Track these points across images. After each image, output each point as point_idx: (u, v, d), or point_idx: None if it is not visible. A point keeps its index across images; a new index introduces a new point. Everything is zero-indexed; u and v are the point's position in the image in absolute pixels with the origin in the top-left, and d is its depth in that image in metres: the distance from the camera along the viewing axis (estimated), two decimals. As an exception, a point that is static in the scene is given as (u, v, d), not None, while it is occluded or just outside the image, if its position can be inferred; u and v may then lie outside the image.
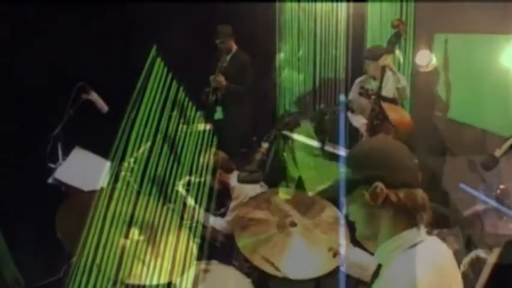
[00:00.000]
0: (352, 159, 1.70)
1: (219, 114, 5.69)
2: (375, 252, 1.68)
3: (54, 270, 3.74)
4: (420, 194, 1.60)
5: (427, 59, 4.72)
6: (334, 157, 4.22)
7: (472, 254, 2.71)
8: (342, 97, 5.27)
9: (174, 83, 4.22)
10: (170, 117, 4.94)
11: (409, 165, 1.63)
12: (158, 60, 4.03)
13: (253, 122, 5.80)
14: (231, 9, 5.72)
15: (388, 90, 4.40)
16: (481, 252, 2.67)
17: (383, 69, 4.23)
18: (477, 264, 2.59)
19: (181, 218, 3.74)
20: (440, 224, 3.22)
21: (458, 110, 4.42)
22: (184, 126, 4.80)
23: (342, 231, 2.67)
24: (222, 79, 5.56)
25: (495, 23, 3.90)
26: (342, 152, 4.10)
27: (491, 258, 2.43)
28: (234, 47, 5.76)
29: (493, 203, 2.88)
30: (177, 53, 4.65)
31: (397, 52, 4.53)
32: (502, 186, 2.71)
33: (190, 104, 4.71)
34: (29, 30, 4.82)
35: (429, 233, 1.63)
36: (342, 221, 2.74)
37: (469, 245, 3.14)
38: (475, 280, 2.44)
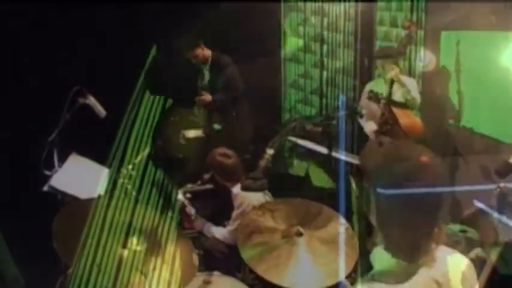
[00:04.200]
0: None
1: (217, 127, 5.53)
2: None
3: (50, 282, 3.65)
4: None
5: (427, 58, 4.68)
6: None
7: (472, 253, 2.63)
8: (351, 102, 5.21)
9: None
10: (170, 122, 4.90)
11: None
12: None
13: (254, 128, 5.62)
14: (232, 9, 5.65)
15: (398, 95, 4.30)
16: (480, 251, 2.59)
17: (391, 82, 4.17)
18: (477, 263, 2.51)
19: (182, 227, 3.66)
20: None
21: (470, 117, 4.34)
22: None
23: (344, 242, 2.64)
24: (205, 97, 5.28)
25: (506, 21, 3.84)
26: (349, 158, 4.00)
27: (491, 258, 2.36)
28: (208, 53, 5.36)
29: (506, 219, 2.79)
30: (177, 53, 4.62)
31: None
32: (502, 185, 2.62)
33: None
34: (25, 32, 4.76)
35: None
36: (349, 232, 2.70)
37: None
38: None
